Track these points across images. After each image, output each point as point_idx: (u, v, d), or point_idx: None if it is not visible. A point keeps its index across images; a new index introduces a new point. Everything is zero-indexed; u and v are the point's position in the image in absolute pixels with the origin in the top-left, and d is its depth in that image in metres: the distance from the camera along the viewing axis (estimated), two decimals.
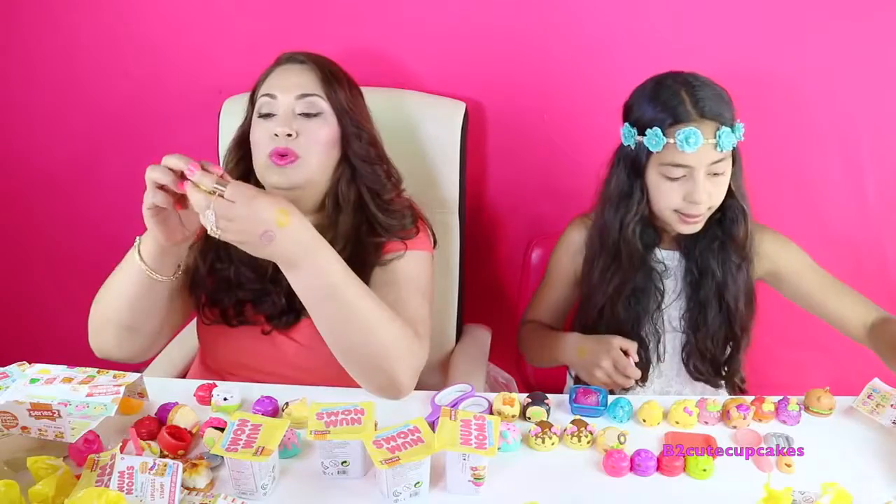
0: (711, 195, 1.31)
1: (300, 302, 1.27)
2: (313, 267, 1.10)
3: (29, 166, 1.82)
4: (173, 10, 1.65)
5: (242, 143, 1.35)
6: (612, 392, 1.25)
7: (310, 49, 1.36)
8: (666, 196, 1.32)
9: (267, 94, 1.30)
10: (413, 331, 1.20)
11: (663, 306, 1.44)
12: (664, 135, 1.27)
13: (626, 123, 1.34)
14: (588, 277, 1.45)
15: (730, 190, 1.34)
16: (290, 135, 1.26)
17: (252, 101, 1.35)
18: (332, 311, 1.13)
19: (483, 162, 1.72)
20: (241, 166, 1.35)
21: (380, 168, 1.34)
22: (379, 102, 1.41)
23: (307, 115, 1.28)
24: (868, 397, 1.19)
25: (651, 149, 1.29)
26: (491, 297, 1.82)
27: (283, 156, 1.26)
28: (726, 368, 1.46)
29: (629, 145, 1.34)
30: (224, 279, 1.32)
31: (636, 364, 1.30)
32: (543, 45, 1.60)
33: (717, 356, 1.44)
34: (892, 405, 1.17)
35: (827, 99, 1.60)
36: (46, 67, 1.72)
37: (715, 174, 1.30)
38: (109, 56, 1.70)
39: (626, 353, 1.29)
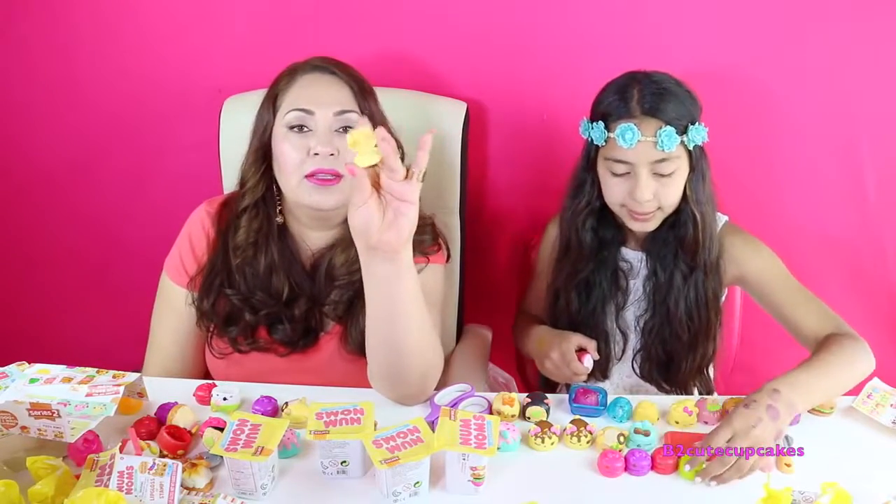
0: (660, 195, 1.30)
1: (317, 322, 1.30)
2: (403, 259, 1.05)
3: (29, 166, 1.82)
4: (173, 9, 1.65)
5: (264, 154, 1.29)
6: (568, 386, 1.26)
7: (309, 50, 1.35)
8: (612, 191, 1.33)
9: (301, 109, 1.24)
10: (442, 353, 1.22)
11: (627, 304, 1.44)
12: (607, 129, 1.29)
13: (585, 117, 1.35)
14: (553, 267, 1.48)
15: (685, 194, 1.32)
16: (332, 154, 1.23)
17: (271, 108, 1.28)
18: (393, 312, 1.09)
19: (484, 162, 1.72)
20: (265, 179, 1.30)
21: None
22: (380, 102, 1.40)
23: (346, 131, 1.25)
24: (868, 397, 1.19)
25: (595, 142, 1.31)
26: (492, 297, 1.82)
27: (326, 178, 1.23)
28: (673, 376, 1.44)
29: (586, 138, 1.35)
30: (236, 304, 1.30)
31: (597, 361, 1.32)
32: (545, 45, 1.60)
33: (663, 362, 1.42)
34: (891, 405, 1.17)
35: (826, 99, 1.60)
36: (46, 67, 1.72)
37: (661, 174, 1.28)
38: (109, 55, 1.70)
39: (584, 350, 1.31)
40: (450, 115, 1.57)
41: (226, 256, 1.31)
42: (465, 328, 1.70)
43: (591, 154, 1.35)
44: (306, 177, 1.23)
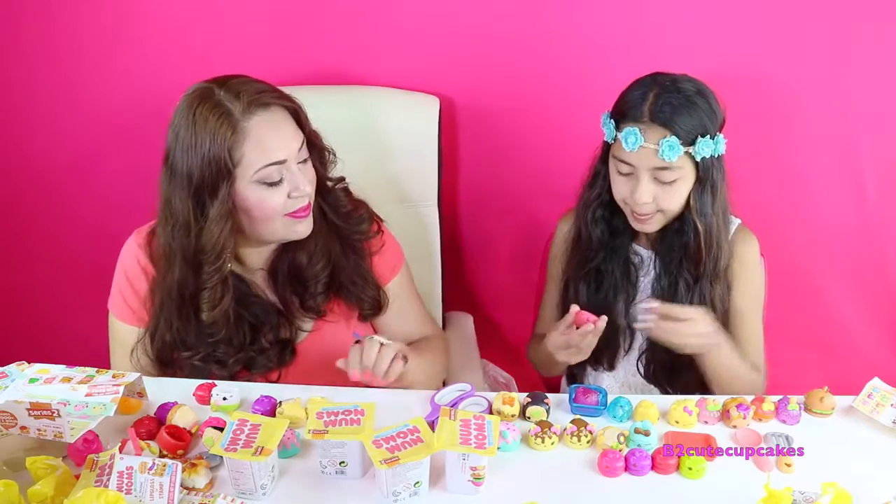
0: (660, 200, 1.30)
1: (291, 332, 1.34)
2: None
3: (28, 166, 1.82)
4: (172, 10, 1.65)
5: (232, 220, 1.23)
6: (571, 381, 1.23)
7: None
8: (617, 188, 1.34)
9: (275, 163, 1.20)
10: (441, 339, 1.49)
11: (636, 300, 1.43)
12: (616, 129, 1.29)
13: (607, 111, 1.34)
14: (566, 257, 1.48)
15: (689, 203, 1.32)
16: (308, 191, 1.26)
17: (225, 166, 1.19)
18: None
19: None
20: (233, 236, 1.26)
21: (335, 186, 1.35)
22: (354, 99, 1.39)
23: (304, 162, 1.26)
24: (868, 396, 1.19)
25: (606, 139, 1.32)
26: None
27: (305, 213, 1.26)
28: (676, 380, 1.43)
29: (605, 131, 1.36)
30: (198, 365, 1.29)
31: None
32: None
33: (667, 365, 1.41)
34: (892, 405, 1.17)
35: (826, 99, 1.60)
36: (46, 68, 1.72)
37: (662, 181, 1.28)
38: (108, 56, 1.69)
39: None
40: (423, 111, 1.58)
41: (182, 316, 1.27)
42: (445, 315, 1.73)
43: (605, 149, 1.36)
44: (286, 215, 1.25)
